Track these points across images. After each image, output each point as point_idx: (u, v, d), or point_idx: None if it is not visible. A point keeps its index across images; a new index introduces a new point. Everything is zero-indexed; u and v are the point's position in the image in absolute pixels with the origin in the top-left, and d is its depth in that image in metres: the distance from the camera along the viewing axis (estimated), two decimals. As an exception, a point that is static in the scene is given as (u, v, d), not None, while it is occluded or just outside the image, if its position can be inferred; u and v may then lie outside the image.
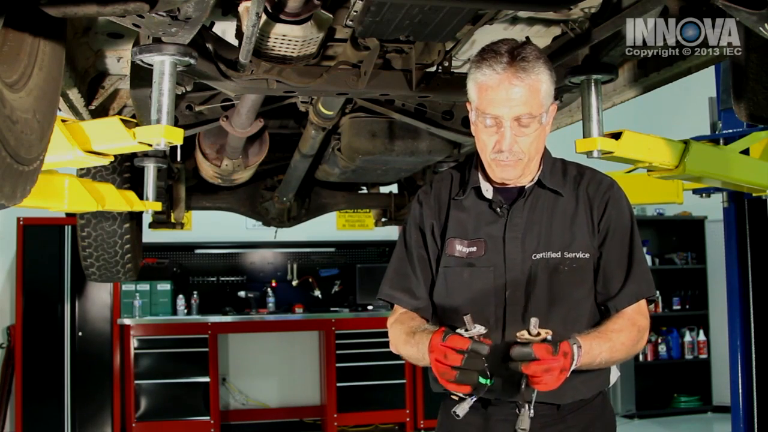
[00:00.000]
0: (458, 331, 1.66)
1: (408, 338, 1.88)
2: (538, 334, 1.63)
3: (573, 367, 1.68)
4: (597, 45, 2.11)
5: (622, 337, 1.81)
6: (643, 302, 1.89)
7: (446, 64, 2.33)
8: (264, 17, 1.84)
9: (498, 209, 1.91)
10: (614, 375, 1.96)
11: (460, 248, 1.91)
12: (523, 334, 1.64)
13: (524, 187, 1.90)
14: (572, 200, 1.91)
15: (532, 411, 1.72)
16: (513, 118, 1.76)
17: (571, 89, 2.34)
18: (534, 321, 1.64)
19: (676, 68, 2.46)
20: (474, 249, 1.90)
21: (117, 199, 3.23)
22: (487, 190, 1.92)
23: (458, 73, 2.39)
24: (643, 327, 1.87)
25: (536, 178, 1.90)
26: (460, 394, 1.75)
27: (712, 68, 4.28)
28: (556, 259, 1.85)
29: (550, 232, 1.88)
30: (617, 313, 1.87)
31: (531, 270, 1.85)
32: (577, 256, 1.86)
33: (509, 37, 1.87)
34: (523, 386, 1.68)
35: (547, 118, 1.83)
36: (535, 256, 1.86)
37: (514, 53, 1.75)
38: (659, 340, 7.96)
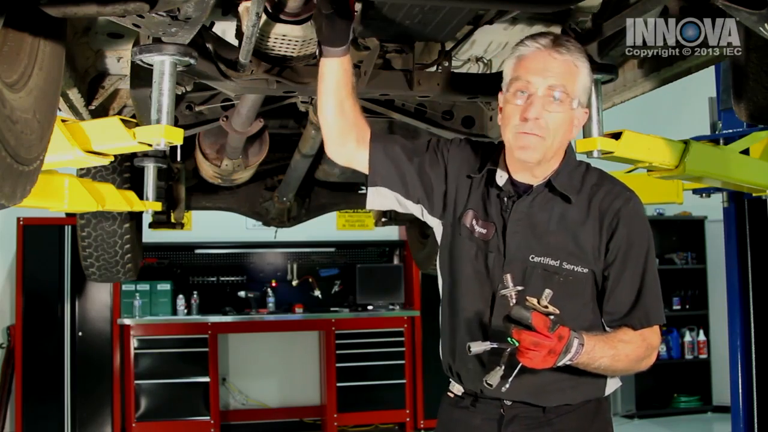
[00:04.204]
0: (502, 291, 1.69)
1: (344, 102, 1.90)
2: (546, 307, 1.61)
3: (566, 359, 1.65)
4: (597, 45, 2.11)
5: (628, 348, 1.78)
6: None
7: (446, 64, 2.33)
8: (264, 17, 1.84)
9: (505, 199, 1.88)
10: (612, 385, 1.91)
11: (474, 224, 1.90)
12: (532, 301, 1.62)
13: (533, 185, 1.87)
14: (583, 211, 1.84)
15: (507, 384, 1.69)
16: (546, 87, 1.75)
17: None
18: (547, 293, 1.63)
19: (676, 68, 2.46)
20: (485, 231, 1.88)
21: (117, 199, 3.23)
22: (501, 177, 1.89)
23: (458, 73, 2.39)
24: (653, 345, 1.84)
25: (547, 178, 1.86)
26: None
27: (712, 68, 4.28)
28: (554, 268, 1.81)
29: (553, 238, 1.83)
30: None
31: (526, 271, 1.82)
32: (575, 269, 1.81)
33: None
34: (507, 352, 1.65)
35: (580, 114, 1.82)
36: (532, 258, 1.83)
37: (558, 36, 1.82)
38: (659, 340, 7.96)
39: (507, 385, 1.69)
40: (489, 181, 1.92)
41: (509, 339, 1.62)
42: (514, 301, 1.65)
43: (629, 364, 1.80)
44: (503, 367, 1.67)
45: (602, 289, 1.85)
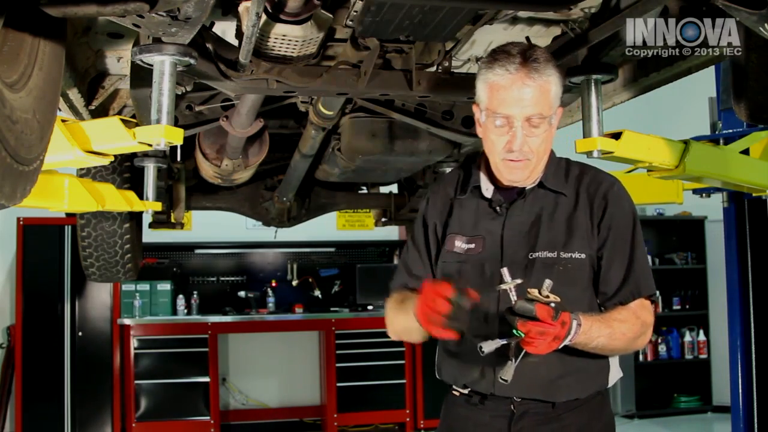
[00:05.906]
0: (501, 286, 1.70)
1: (399, 307, 1.93)
2: (548, 296, 1.65)
3: (567, 341, 1.70)
4: (597, 45, 2.11)
5: (624, 327, 1.83)
6: (647, 300, 1.90)
7: (446, 64, 2.33)
8: (264, 17, 1.84)
9: (497, 208, 1.93)
10: (615, 375, 1.96)
11: (459, 244, 1.94)
12: (533, 292, 1.66)
13: (525, 188, 1.92)
14: (572, 200, 1.92)
15: (511, 372, 1.72)
16: (524, 118, 1.78)
17: (571, 89, 2.33)
18: (548, 283, 1.66)
19: (676, 68, 2.46)
20: (472, 246, 1.93)
21: (117, 199, 3.23)
22: (487, 189, 1.95)
23: (458, 73, 2.39)
24: (647, 322, 1.89)
25: (538, 180, 1.92)
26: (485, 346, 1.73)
27: (712, 68, 4.28)
28: (552, 259, 1.87)
29: (548, 232, 1.89)
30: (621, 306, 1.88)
31: (527, 267, 1.87)
32: (573, 256, 1.87)
33: (514, 40, 1.89)
34: (513, 344, 1.69)
35: (555, 121, 1.86)
36: (531, 255, 1.88)
37: (526, 54, 1.79)
38: (659, 340, 7.96)
39: (512, 373, 1.73)
40: (475, 195, 1.98)
41: (514, 331, 1.66)
42: (514, 295, 1.68)
43: (626, 342, 1.84)
44: (514, 361, 1.71)
45: (598, 269, 1.90)
